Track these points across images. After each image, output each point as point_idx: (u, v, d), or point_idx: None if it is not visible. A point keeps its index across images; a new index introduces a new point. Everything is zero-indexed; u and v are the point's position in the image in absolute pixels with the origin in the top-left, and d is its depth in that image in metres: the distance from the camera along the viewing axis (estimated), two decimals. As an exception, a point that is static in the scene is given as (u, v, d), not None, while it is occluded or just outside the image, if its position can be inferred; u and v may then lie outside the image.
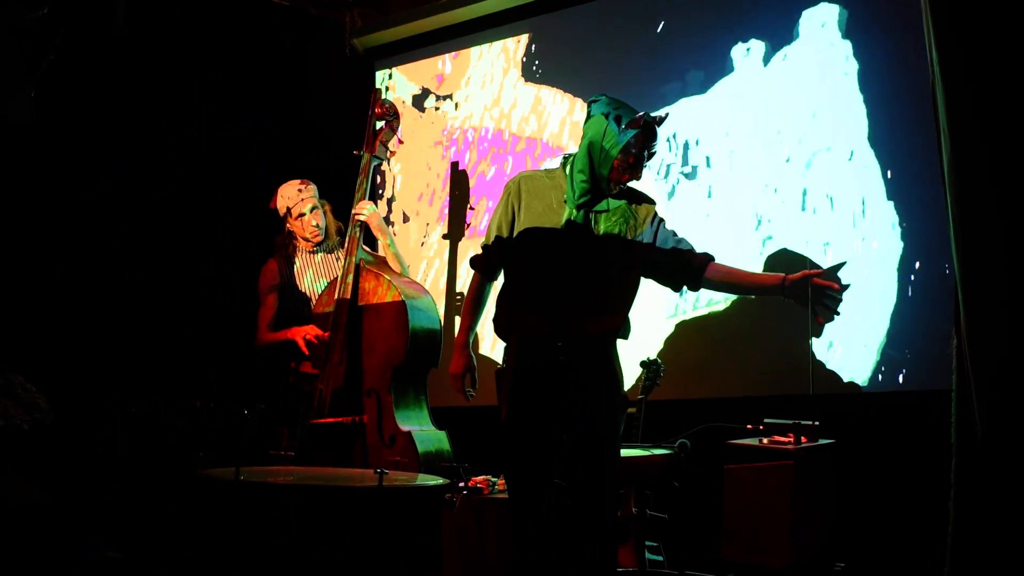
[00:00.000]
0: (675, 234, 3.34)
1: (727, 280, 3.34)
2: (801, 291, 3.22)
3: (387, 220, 5.80)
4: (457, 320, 4.97)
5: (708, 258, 3.31)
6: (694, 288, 3.37)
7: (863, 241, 4.38)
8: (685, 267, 3.31)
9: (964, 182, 2.89)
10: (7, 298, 4.79)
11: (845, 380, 4.37)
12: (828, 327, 3.32)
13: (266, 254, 4.46)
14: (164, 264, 5.34)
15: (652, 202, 3.38)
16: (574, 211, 3.26)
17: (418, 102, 5.96)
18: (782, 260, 4.50)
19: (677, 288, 3.40)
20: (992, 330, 2.86)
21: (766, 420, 3.72)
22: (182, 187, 5.45)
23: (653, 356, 4.34)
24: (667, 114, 3.27)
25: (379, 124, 4.37)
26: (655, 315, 4.86)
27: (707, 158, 4.83)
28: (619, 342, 3.33)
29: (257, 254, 4.56)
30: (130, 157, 5.27)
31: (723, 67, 4.84)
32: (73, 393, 4.82)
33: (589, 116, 3.29)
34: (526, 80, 5.54)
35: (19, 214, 4.86)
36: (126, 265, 5.22)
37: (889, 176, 4.34)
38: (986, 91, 2.84)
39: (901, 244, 4.30)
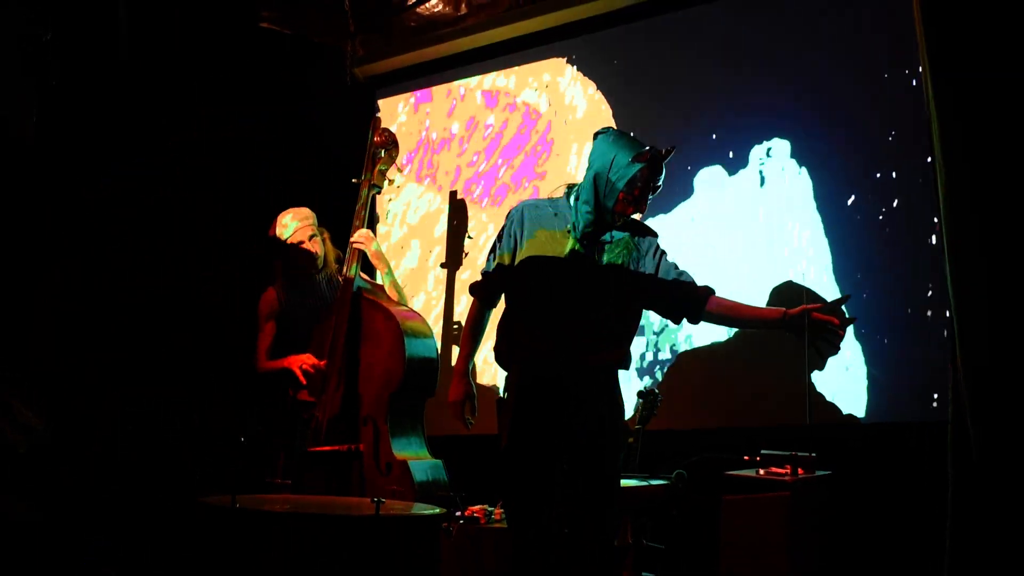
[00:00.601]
0: (676, 266, 3.35)
1: (728, 314, 3.36)
2: (800, 325, 3.23)
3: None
4: (455, 349, 4.98)
5: (709, 291, 3.33)
6: (694, 321, 3.38)
7: (860, 275, 4.40)
8: (686, 299, 3.32)
9: (958, 215, 2.91)
10: (7, 298, 4.77)
11: (843, 411, 4.37)
12: (819, 362, 3.33)
13: (266, 271, 4.46)
14: (164, 264, 5.33)
15: (655, 234, 3.40)
16: (577, 242, 3.28)
17: (417, 129, 6.00)
18: (786, 292, 4.51)
19: (677, 320, 3.41)
20: (988, 362, 2.88)
21: (763, 451, 3.72)
22: (182, 187, 5.45)
23: (650, 386, 4.35)
24: (674, 148, 3.29)
25: (379, 152, 4.38)
26: (652, 345, 4.87)
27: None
28: (620, 372, 3.34)
29: (256, 255, 4.54)
30: (130, 157, 5.27)
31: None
32: (72, 394, 4.80)
33: (595, 147, 3.30)
34: (521, 111, 5.58)
35: (19, 214, 4.85)
36: (126, 265, 5.20)
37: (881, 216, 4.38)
38: (979, 123, 2.87)
39: (899, 276, 4.31)
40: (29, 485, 4.01)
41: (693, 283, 3.33)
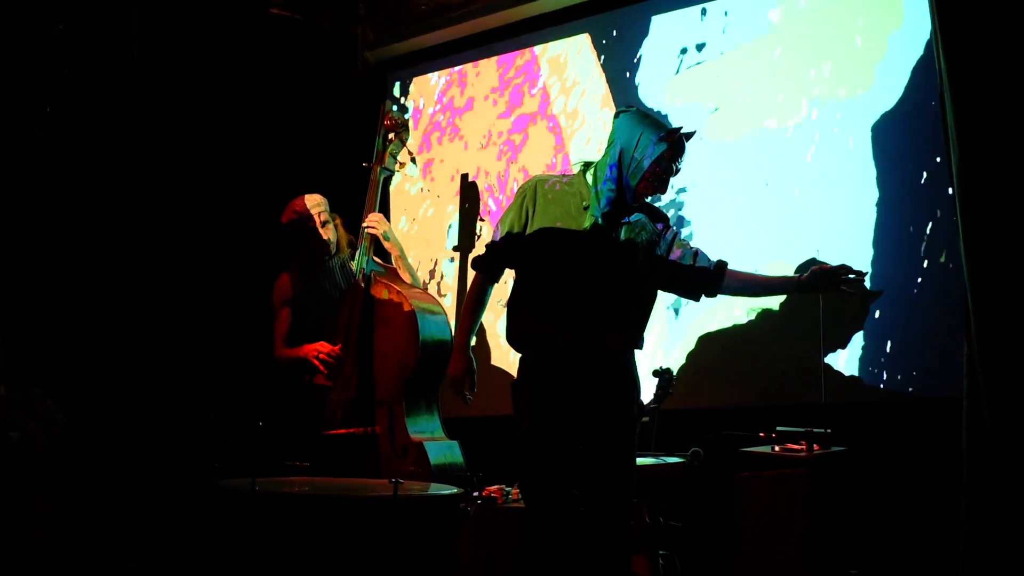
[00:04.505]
0: (690, 244, 3.35)
1: (743, 285, 3.36)
2: (815, 282, 3.23)
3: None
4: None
5: (723, 265, 3.32)
6: (712, 295, 3.37)
7: (875, 250, 4.39)
8: (703, 276, 3.31)
9: (971, 190, 2.91)
10: (21, 285, 4.79)
11: (857, 388, 4.37)
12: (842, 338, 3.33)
13: (277, 263, 4.48)
14: (175, 248, 5.35)
15: (666, 216, 3.40)
16: (598, 220, 3.24)
17: (430, 110, 6.00)
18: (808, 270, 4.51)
19: (697, 298, 3.40)
20: (1003, 336, 2.88)
21: (778, 428, 3.73)
22: (192, 171, 5.46)
23: (666, 365, 4.35)
24: (695, 131, 3.28)
25: (388, 136, 4.38)
26: (668, 325, 4.87)
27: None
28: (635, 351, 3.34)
29: (265, 252, 4.56)
30: (140, 142, 5.27)
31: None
32: (88, 397, 4.82)
33: (619, 126, 3.27)
34: (532, 95, 5.58)
35: (30, 202, 4.85)
36: (138, 249, 5.21)
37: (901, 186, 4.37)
38: (990, 102, 2.86)
39: (912, 253, 4.31)
40: (51, 478, 4.04)
41: (708, 259, 3.33)
